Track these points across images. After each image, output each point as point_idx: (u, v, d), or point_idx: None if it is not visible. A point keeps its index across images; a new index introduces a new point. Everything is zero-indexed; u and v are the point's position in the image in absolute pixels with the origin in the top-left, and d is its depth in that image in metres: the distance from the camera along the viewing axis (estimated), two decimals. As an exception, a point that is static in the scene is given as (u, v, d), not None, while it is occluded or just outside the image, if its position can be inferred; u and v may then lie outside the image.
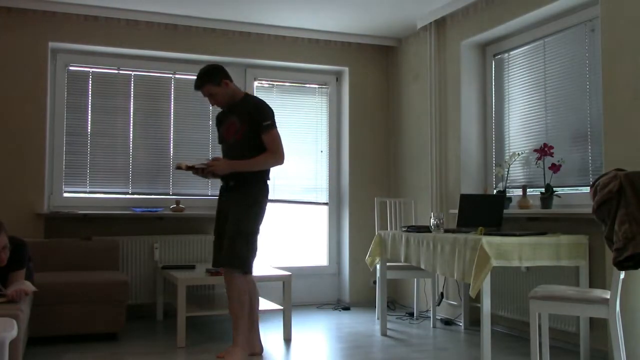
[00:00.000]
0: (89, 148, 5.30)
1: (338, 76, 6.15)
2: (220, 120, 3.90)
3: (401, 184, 5.88)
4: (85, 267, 4.76)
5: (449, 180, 5.14)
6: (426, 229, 4.25)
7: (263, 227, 3.76)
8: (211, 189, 5.55)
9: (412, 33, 5.73)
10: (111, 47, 5.24)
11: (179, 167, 3.66)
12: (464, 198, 4.54)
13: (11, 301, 3.33)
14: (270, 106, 3.77)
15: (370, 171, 6.02)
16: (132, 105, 5.45)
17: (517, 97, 4.74)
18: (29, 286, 3.57)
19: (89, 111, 5.32)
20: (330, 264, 6.07)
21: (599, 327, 3.71)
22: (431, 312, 4.88)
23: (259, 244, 3.72)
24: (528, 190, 4.39)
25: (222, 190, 3.83)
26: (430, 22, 5.30)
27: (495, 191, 4.79)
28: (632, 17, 3.48)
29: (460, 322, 4.84)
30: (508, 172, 4.65)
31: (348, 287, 5.88)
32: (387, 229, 5.31)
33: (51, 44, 5.11)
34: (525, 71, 4.66)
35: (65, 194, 5.22)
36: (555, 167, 4.11)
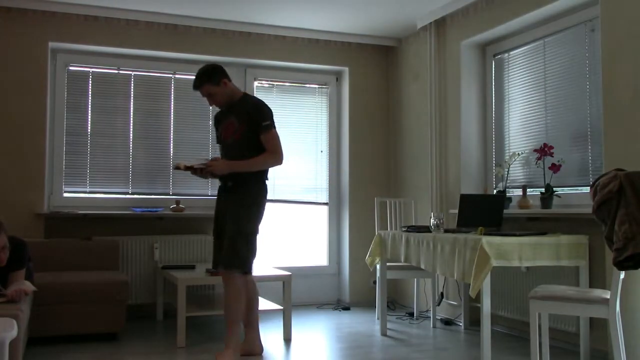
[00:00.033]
0: (89, 148, 5.30)
1: (338, 76, 6.15)
2: (218, 120, 3.89)
3: (401, 184, 5.88)
4: (85, 267, 4.76)
5: (449, 180, 5.14)
6: (426, 229, 4.25)
7: (262, 227, 3.75)
8: (211, 189, 5.55)
9: (412, 33, 5.73)
10: (111, 47, 5.24)
11: (177, 167, 3.64)
12: (464, 198, 4.54)
13: (11, 301, 3.33)
14: (269, 106, 3.76)
15: (370, 171, 6.02)
16: (132, 105, 5.45)
17: (517, 97, 4.74)
18: (28, 286, 3.57)
19: (89, 111, 5.32)
20: (330, 264, 6.08)
21: (599, 327, 3.71)
22: (431, 312, 4.88)
23: (258, 244, 3.71)
24: (528, 190, 4.39)
25: (221, 190, 3.82)
26: (430, 22, 5.30)
27: (495, 191, 4.79)
28: (632, 17, 3.48)
29: (460, 322, 4.84)
30: (508, 172, 4.65)
31: (348, 287, 5.88)
32: (387, 229, 5.31)
33: (51, 44, 5.11)
34: (525, 71, 4.66)
35: (65, 194, 5.22)
36: (555, 167, 4.11)
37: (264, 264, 5.25)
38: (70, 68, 5.30)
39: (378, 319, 4.91)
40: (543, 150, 4.20)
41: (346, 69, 6.01)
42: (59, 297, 4.13)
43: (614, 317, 2.87)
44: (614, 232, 2.73)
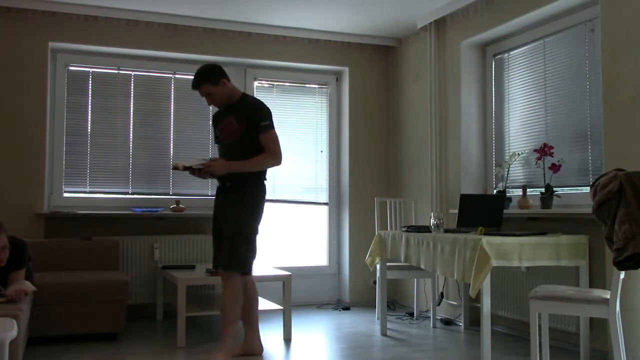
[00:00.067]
0: (89, 148, 5.30)
1: (338, 76, 6.15)
2: (217, 120, 3.87)
3: (401, 184, 5.88)
4: (85, 267, 4.76)
5: (449, 180, 5.14)
6: (426, 229, 4.25)
7: (262, 228, 3.74)
8: (211, 189, 5.55)
9: (412, 33, 5.73)
10: (111, 47, 5.24)
11: (175, 168, 3.61)
12: (464, 198, 4.54)
13: (11, 301, 3.33)
14: (268, 106, 3.75)
15: (370, 171, 6.02)
16: (132, 105, 5.45)
17: (517, 97, 4.74)
18: (28, 286, 3.57)
19: (89, 111, 5.32)
20: (330, 264, 6.08)
21: (599, 327, 3.71)
22: (431, 312, 4.88)
23: (258, 245, 3.71)
24: (528, 190, 4.39)
25: (219, 191, 3.81)
26: (430, 22, 5.30)
27: (495, 191, 4.79)
28: (632, 17, 3.48)
29: (460, 322, 4.84)
30: (508, 172, 4.65)
31: (348, 287, 5.88)
32: (387, 229, 5.31)
33: (51, 44, 5.11)
34: (525, 71, 4.66)
35: (65, 194, 5.22)
36: (555, 167, 4.11)
37: (264, 264, 5.25)
38: (70, 68, 5.30)
39: (378, 319, 4.91)
40: (543, 150, 4.20)
41: (346, 69, 6.01)
42: (59, 297, 4.13)
43: (614, 317, 2.87)
44: (614, 232, 2.73)
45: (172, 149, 5.53)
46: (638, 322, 3.30)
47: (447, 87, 5.19)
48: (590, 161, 4.07)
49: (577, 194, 4.13)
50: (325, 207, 6.09)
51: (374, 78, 6.10)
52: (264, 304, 4.55)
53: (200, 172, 3.60)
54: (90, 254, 4.82)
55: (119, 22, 5.25)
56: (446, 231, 4.09)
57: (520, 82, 4.71)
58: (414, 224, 5.13)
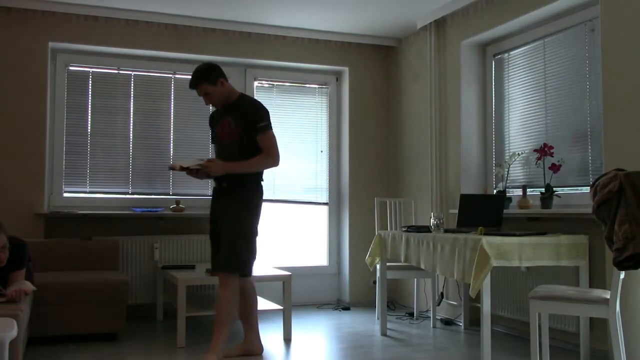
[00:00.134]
0: (89, 148, 5.30)
1: (338, 76, 6.15)
2: (214, 120, 3.85)
3: (401, 184, 5.88)
4: (85, 267, 4.76)
5: (449, 180, 5.14)
6: (426, 229, 4.25)
7: (260, 228, 3.73)
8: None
9: (412, 33, 5.73)
10: (111, 47, 5.24)
11: (172, 168, 3.59)
12: (464, 198, 4.54)
13: (11, 301, 3.33)
14: (266, 107, 3.73)
15: (370, 171, 6.02)
16: (132, 105, 5.45)
17: (517, 97, 4.74)
18: (28, 286, 3.57)
19: (89, 111, 5.32)
20: (330, 264, 6.08)
21: (599, 327, 3.71)
22: (431, 312, 4.88)
23: (257, 246, 3.69)
24: (528, 190, 4.39)
25: (215, 191, 3.80)
26: (430, 22, 5.30)
27: (495, 191, 4.79)
28: (632, 17, 3.48)
29: (460, 322, 4.84)
30: (508, 172, 4.65)
31: (348, 287, 5.88)
32: (387, 229, 5.31)
33: (51, 44, 5.11)
34: (525, 71, 4.66)
35: (65, 194, 5.22)
36: (555, 167, 4.11)
37: (263, 264, 5.25)
38: (70, 68, 5.30)
39: (378, 319, 4.91)
40: (543, 150, 4.20)
41: (346, 69, 6.01)
42: (59, 297, 4.12)
43: (614, 317, 2.87)
44: (614, 232, 2.73)
45: (172, 149, 5.53)
46: (638, 322, 3.30)
47: (447, 87, 5.19)
48: (590, 161, 4.07)
49: (577, 194, 4.13)
50: (325, 207, 6.09)
51: (374, 78, 6.10)
52: (264, 304, 4.55)
53: (197, 172, 3.57)
54: (90, 254, 4.82)
55: (119, 22, 5.25)
56: (446, 231, 4.09)
57: (520, 82, 4.71)
58: (414, 224, 5.13)
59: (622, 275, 2.87)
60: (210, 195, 5.47)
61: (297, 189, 5.96)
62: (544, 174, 4.23)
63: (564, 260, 3.70)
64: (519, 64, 4.74)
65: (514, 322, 4.47)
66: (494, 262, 3.46)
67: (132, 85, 5.46)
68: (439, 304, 5.07)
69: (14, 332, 2.44)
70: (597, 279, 3.76)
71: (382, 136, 6.09)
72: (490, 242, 3.49)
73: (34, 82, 5.02)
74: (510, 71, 4.83)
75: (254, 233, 3.65)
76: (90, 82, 5.34)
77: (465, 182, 4.98)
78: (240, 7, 5.14)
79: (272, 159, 3.66)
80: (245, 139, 3.63)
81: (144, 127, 5.48)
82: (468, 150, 5.01)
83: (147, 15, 5.25)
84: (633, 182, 2.71)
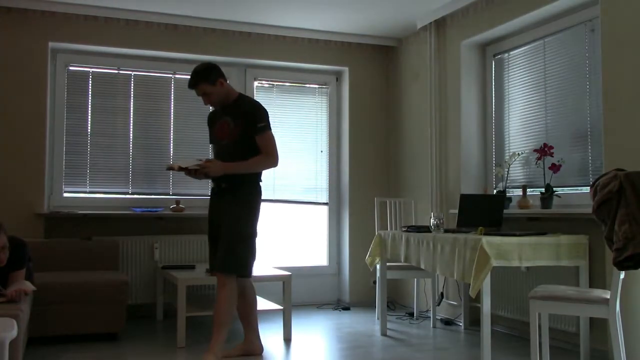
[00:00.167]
0: (89, 148, 5.30)
1: (338, 76, 6.15)
2: (212, 120, 3.84)
3: (401, 184, 5.88)
4: (85, 267, 4.77)
5: (449, 180, 5.14)
6: (426, 229, 4.25)
7: (259, 229, 3.71)
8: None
9: (412, 33, 5.73)
10: (111, 47, 5.24)
11: (170, 168, 3.59)
12: (464, 198, 4.54)
13: (11, 301, 3.33)
14: (265, 107, 3.72)
15: (370, 171, 6.02)
16: (132, 105, 5.45)
17: (517, 97, 4.74)
18: (28, 286, 3.57)
19: (89, 111, 5.32)
20: (330, 264, 6.08)
21: (599, 327, 3.71)
22: (431, 312, 4.88)
23: (257, 247, 3.68)
24: (528, 190, 4.39)
25: (214, 192, 3.79)
26: (430, 22, 5.30)
27: (495, 191, 4.79)
28: (632, 17, 3.48)
29: (460, 322, 4.84)
30: (508, 172, 4.65)
31: (348, 287, 5.88)
32: (387, 229, 5.31)
33: (51, 44, 5.11)
34: (525, 71, 4.66)
35: (65, 194, 5.22)
36: (555, 167, 4.11)
37: (263, 264, 5.24)
38: (70, 68, 5.30)
39: (378, 319, 4.91)
40: (543, 150, 4.20)
41: (346, 69, 6.01)
42: (59, 297, 4.12)
43: (614, 317, 2.87)
44: (614, 232, 2.73)
45: (172, 149, 5.53)
46: (638, 322, 3.30)
47: (447, 87, 5.19)
48: (590, 161, 4.07)
49: (577, 194, 4.13)
50: (325, 207, 6.09)
51: (374, 78, 6.10)
52: (264, 304, 4.55)
53: (195, 172, 3.56)
54: (90, 254, 4.82)
55: (119, 22, 5.25)
56: (446, 231, 4.09)
57: (520, 82, 4.71)
58: (414, 224, 5.13)
59: (622, 275, 2.87)
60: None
61: (297, 189, 5.96)
62: (544, 174, 4.23)
63: (563, 260, 3.70)
64: (519, 64, 4.74)
65: (514, 322, 4.46)
66: (494, 262, 3.46)
67: (132, 85, 5.46)
68: (439, 304, 5.07)
69: (14, 332, 2.44)
70: (597, 279, 3.76)
71: (382, 136, 6.09)
72: (490, 242, 3.49)
73: (34, 82, 5.02)
74: (510, 71, 4.84)
75: (253, 234, 3.64)
76: (90, 82, 5.34)
77: (465, 182, 4.98)
78: (240, 7, 5.14)
79: (271, 159, 3.65)
80: (244, 140, 3.62)
81: (144, 127, 5.48)
82: (468, 150, 5.01)
83: (147, 15, 5.25)
84: (633, 182, 2.71)
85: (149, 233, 5.28)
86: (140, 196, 5.41)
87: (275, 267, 5.17)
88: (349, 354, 3.96)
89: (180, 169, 3.55)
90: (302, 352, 4.03)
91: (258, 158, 3.62)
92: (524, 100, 4.66)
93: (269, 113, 3.73)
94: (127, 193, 5.39)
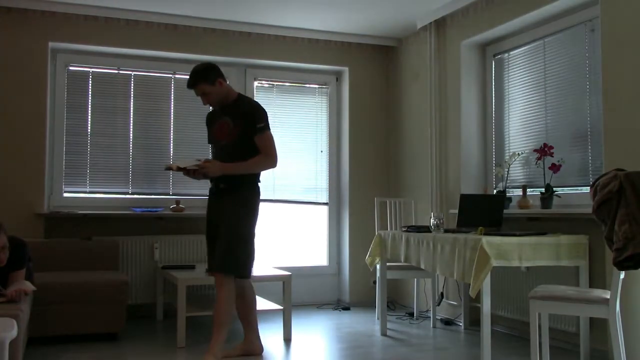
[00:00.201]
0: (89, 148, 5.30)
1: (338, 76, 6.15)
2: (211, 120, 3.83)
3: (401, 184, 5.88)
4: (85, 267, 4.77)
5: (449, 180, 5.14)
6: (426, 229, 4.25)
7: (259, 229, 3.71)
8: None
9: (412, 33, 5.73)
10: (111, 47, 5.24)
11: (169, 168, 3.58)
12: (464, 198, 4.54)
13: (11, 301, 3.33)
14: (264, 108, 3.72)
15: (370, 171, 6.02)
16: (132, 105, 5.45)
17: (517, 97, 4.74)
18: (28, 286, 3.57)
19: (89, 111, 5.32)
20: (330, 264, 6.08)
21: (599, 327, 3.71)
22: (431, 312, 4.88)
23: (256, 247, 3.68)
24: (528, 190, 4.39)
25: (212, 192, 3.79)
26: (430, 22, 5.30)
27: (495, 191, 4.79)
28: (632, 17, 3.48)
29: (460, 322, 4.84)
30: (508, 172, 4.65)
31: (348, 287, 5.88)
32: (387, 229, 5.31)
33: (51, 44, 5.11)
34: (525, 71, 4.66)
35: (65, 194, 5.22)
36: (555, 167, 4.11)
37: (263, 264, 5.24)
38: (70, 68, 5.30)
39: (378, 319, 4.91)
40: (543, 150, 4.20)
41: (346, 69, 6.01)
42: (59, 297, 4.12)
43: (614, 317, 2.87)
44: (614, 232, 2.73)
45: (172, 149, 5.53)
46: (638, 322, 3.30)
47: (447, 87, 5.19)
48: (590, 161, 4.07)
49: (577, 194, 4.13)
50: (325, 207, 6.09)
51: (374, 78, 6.10)
52: (264, 304, 4.55)
53: (194, 173, 3.56)
54: (90, 254, 4.82)
55: (119, 22, 5.25)
56: (446, 231, 4.09)
57: (520, 82, 4.71)
58: (414, 224, 5.13)
59: (622, 275, 2.87)
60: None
61: (297, 189, 5.96)
62: (544, 174, 4.23)
63: (563, 260, 3.70)
64: (519, 64, 4.74)
65: (514, 322, 4.47)
66: (494, 262, 3.46)
67: (132, 85, 5.46)
68: (439, 304, 5.07)
69: (14, 332, 2.44)
70: (597, 279, 3.76)
71: (382, 136, 6.09)
72: (490, 242, 3.49)
73: (34, 82, 5.02)
74: (510, 71, 4.84)
75: (252, 234, 3.63)
76: (90, 82, 5.34)
77: (465, 182, 4.98)
78: (240, 7, 5.14)
79: (270, 160, 3.65)
80: (244, 140, 3.62)
81: (144, 127, 5.48)
82: (468, 150, 5.01)
83: (147, 15, 5.25)
84: (633, 182, 2.71)
85: (149, 233, 5.28)
86: (140, 196, 5.41)
87: (275, 267, 5.17)
88: (349, 354, 3.96)
89: (179, 169, 3.54)
90: (302, 352, 4.03)
91: (257, 159, 3.62)
92: (524, 100, 4.66)
93: (268, 113, 3.73)
94: (127, 193, 5.39)
